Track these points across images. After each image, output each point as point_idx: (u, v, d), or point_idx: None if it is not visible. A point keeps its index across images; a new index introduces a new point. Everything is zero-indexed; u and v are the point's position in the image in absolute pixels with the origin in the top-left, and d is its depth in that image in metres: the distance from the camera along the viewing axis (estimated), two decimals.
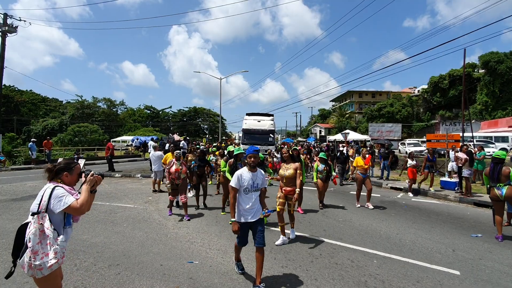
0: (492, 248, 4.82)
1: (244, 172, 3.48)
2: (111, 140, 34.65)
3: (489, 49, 35.84)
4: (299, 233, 5.37)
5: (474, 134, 18.70)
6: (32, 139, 18.46)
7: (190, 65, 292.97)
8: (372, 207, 7.47)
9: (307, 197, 8.30)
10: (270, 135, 17.45)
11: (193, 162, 7.65)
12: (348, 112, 51.41)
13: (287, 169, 5.00)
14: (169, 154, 7.92)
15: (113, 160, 14.91)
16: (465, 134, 16.70)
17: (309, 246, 4.75)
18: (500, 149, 20.47)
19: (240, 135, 18.68)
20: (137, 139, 28.02)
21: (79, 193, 2.39)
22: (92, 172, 2.48)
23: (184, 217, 6.26)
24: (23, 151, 18.96)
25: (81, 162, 10.48)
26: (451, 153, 12.01)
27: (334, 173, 12.50)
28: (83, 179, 2.45)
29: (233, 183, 3.40)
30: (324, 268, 3.94)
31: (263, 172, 3.69)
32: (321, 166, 7.22)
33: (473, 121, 25.89)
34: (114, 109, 52.64)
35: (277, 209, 4.98)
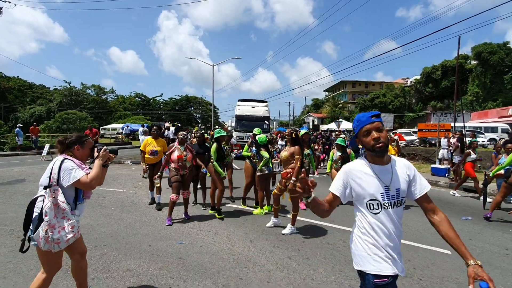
0: (482, 230, 4.86)
1: (359, 165, 1.64)
2: (101, 128, 34.01)
3: (481, 41, 36.03)
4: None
5: (465, 124, 18.94)
6: (18, 125, 17.87)
7: (181, 53, 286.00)
8: None
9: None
10: (265, 121, 16.47)
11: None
12: (341, 102, 51.44)
13: (284, 151, 4.73)
14: (149, 138, 5.88)
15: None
16: (456, 124, 16.89)
17: (301, 228, 4.70)
18: (488, 139, 20.90)
19: (233, 122, 17.53)
20: (127, 126, 27.50)
21: (90, 168, 2.30)
22: (105, 147, 2.39)
23: (184, 215, 5.07)
24: (10, 137, 18.37)
25: None
26: (443, 141, 12.16)
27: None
28: (95, 154, 2.36)
29: (333, 188, 1.68)
30: (316, 248, 3.90)
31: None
32: (337, 154, 6.28)
33: (464, 111, 26.25)
34: (104, 97, 51.41)
35: (274, 191, 4.79)
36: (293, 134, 4.61)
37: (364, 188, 1.57)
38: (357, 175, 1.61)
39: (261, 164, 5.19)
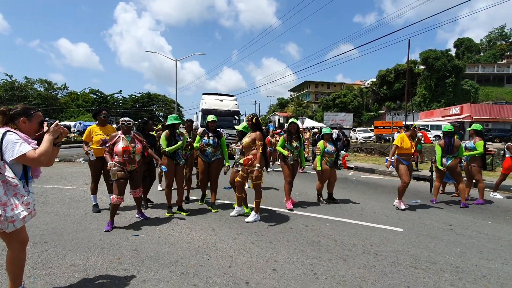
0: (429, 210, 5.27)
1: None
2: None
3: (427, 48, 39.79)
4: (252, 205, 5.27)
5: (415, 122, 20.74)
6: None
7: (140, 48, 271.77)
8: None
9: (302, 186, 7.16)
10: (235, 116, 14.79)
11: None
12: (305, 101, 53.18)
13: (246, 137, 4.50)
14: (94, 126, 4.77)
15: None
16: (408, 123, 18.42)
17: (264, 216, 4.66)
18: (434, 136, 23.06)
19: (199, 118, 15.97)
20: (80, 123, 25.39)
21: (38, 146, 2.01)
22: (57, 121, 2.13)
23: (136, 214, 4.40)
24: None
25: None
26: (395, 135, 13.13)
27: (343, 153, 10.32)
28: (45, 128, 2.07)
29: None
30: (279, 233, 3.88)
31: None
32: (331, 147, 5.47)
33: (413, 111, 28.70)
34: (54, 93, 46.92)
35: (236, 178, 4.51)
36: (254, 120, 4.40)
37: None
38: None
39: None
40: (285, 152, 5.14)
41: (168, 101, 55.47)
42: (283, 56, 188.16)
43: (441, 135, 5.86)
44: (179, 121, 4.68)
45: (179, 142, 4.56)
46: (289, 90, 70.10)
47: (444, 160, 5.61)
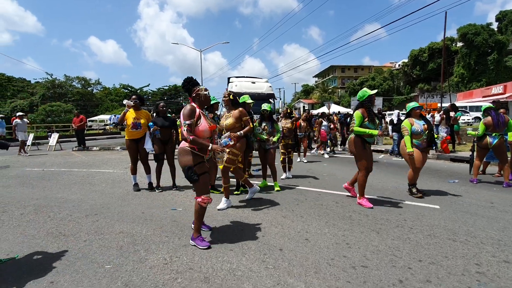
0: (468, 190, 5.01)
1: None
2: (88, 120, 33.10)
3: (465, 23, 36.36)
4: (283, 184, 5.36)
5: (452, 103, 19.37)
6: (0, 115, 17.19)
7: (164, 42, 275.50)
8: None
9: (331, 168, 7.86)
10: (270, 100, 12.72)
11: (150, 124, 4.88)
12: (331, 87, 51.59)
13: (227, 118, 3.98)
14: (130, 110, 4.88)
15: (85, 134, 13.56)
16: (443, 105, 17.25)
17: (294, 194, 4.74)
18: (473, 118, 21.44)
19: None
20: (115, 116, 26.75)
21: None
22: None
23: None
24: None
25: (55, 136, 9.82)
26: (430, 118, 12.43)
27: (443, 134, 8.51)
28: None
29: None
30: (309, 209, 3.94)
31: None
32: (419, 125, 4.43)
33: (450, 92, 26.74)
34: (89, 89, 49.90)
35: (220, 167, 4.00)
36: (231, 96, 4.01)
37: None
38: None
39: (277, 136, 4.90)
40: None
41: None
42: (306, 41, 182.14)
43: (482, 117, 5.38)
44: (218, 101, 4.48)
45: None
46: (313, 76, 68.30)
47: (490, 138, 5.21)
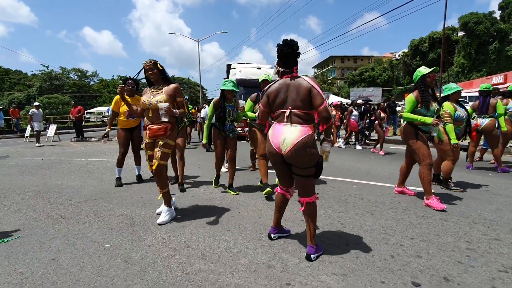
0: (464, 175, 5.07)
1: None
2: (86, 112, 32.96)
3: (466, 12, 35.85)
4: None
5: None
6: None
7: (160, 32, 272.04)
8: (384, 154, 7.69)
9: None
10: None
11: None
12: (330, 78, 51.28)
13: (155, 95, 2.91)
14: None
15: (83, 126, 13.56)
16: (442, 95, 17.24)
17: None
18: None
19: None
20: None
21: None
22: None
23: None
24: None
25: (53, 127, 9.78)
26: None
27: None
28: None
29: None
30: None
31: None
32: (462, 111, 3.94)
33: (449, 82, 26.66)
34: (86, 80, 49.51)
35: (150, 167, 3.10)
36: (158, 65, 2.95)
37: None
38: None
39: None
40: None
41: (192, 84, 56.31)
42: (304, 31, 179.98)
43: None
44: (232, 88, 3.82)
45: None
46: (313, 67, 67.82)
47: (479, 119, 5.27)
